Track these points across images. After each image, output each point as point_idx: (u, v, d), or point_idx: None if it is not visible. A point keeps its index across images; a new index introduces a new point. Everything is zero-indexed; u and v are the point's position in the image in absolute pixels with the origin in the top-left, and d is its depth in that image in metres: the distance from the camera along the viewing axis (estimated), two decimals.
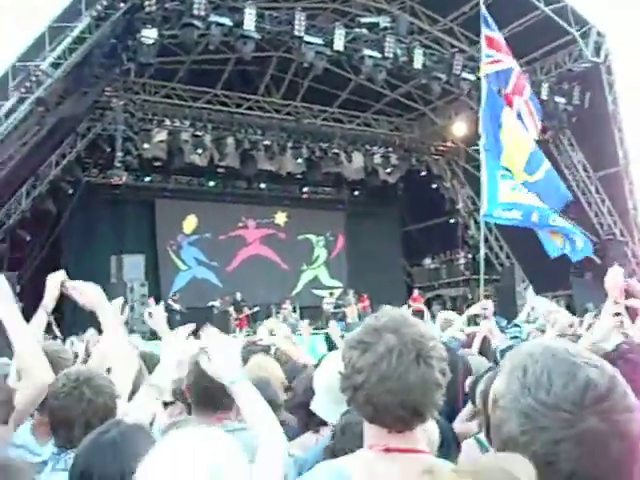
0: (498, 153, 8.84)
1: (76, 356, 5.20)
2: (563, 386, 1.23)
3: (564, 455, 1.19)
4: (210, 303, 20.85)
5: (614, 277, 4.55)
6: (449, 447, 3.36)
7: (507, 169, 8.80)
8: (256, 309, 21.59)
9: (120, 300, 4.16)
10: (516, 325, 8.22)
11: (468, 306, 21.33)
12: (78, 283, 3.58)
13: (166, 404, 3.74)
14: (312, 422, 3.43)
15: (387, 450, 1.82)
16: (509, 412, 1.26)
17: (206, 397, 3.01)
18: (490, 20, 9.84)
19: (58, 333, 4.11)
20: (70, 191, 21.09)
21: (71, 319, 13.66)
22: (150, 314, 4.83)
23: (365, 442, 1.88)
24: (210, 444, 1.71)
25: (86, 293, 3.56)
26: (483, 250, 9.88)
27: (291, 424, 3.63)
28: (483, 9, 9.87)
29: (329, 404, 3.11)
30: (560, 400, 1.21)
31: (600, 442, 1.19)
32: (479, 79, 10.54)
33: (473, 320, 8.38)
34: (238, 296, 21.59)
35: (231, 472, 1.67)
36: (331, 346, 11.70)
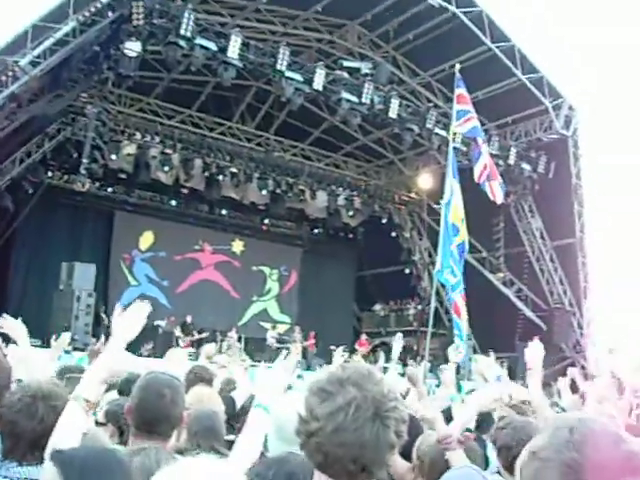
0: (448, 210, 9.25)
1: None
2: (607, 450, 1.29)
3: None
4: (156, 322, 20.61)
5: (534, 352, 4.66)
6: None
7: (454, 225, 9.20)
8: (204, 335, 21.39)
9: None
10: None
11: (412, 357, 21.49)
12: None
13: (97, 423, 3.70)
14: None
15: None
16: (551, 462, 1.31)
17: (150, 423, 2.96)
18: (462, 82, 10.16)
19: None
20: (30, 191, 20.82)
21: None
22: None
23: None
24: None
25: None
26: (434, 304, 10.10)
27: None
28: (457, 70, 10.18)
29: (277, 441, 3.08)
30: (604, 460, 1.27)
31: None
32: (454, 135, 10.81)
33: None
34: (188, 319, 21.39)
35: None
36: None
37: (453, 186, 9.58)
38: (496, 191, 10.59)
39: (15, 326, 4.58)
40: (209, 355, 8.31)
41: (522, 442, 2.90)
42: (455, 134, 10.07)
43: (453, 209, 9.41)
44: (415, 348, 23.67)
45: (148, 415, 2.97)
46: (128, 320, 2.97)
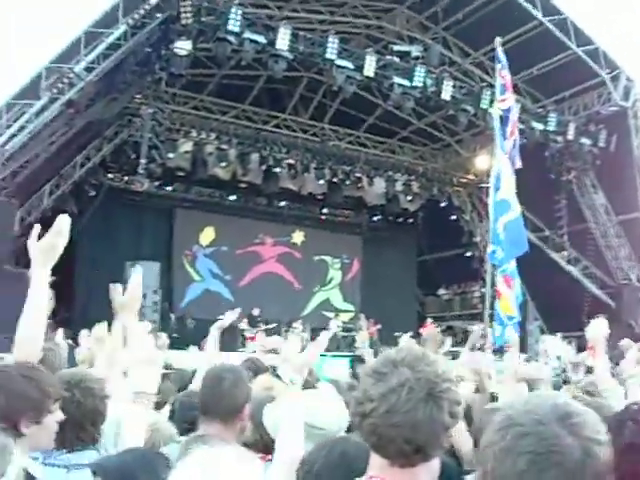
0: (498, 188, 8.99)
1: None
2: None
3: None
4: (220, 316, 20.79)
5: (598, 328, 4.54)
6: None
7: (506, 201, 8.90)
8: (272, 326, 21.47)
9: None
10: None
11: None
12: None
13: None
14: None
15: None
16: None
17: (208, 406, 3.08)
18: (504, 57, 9.92)
19: None
20: (92, 193, 21.29)
21: (80, 318, 13.76)
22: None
23: (367, 470, 1.88)
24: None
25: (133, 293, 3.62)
26: (490, 285, 9.87)
27: None
28: (497, 45, 9.96)
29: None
30: None
31: None
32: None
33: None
34: (255, 311, 21.44)
35: None
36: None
37: (501, 160, 9.34)
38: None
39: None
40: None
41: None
42: (500, 109, 9.82)
43: (506, 184, 9.12)
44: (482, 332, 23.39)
45: (207, 399, 3.06)
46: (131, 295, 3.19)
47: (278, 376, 4.98)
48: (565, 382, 6.96)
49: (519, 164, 9.61)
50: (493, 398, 5.07)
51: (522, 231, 9.15)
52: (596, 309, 19.88)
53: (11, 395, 2.51)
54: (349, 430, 2.73)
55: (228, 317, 5.96)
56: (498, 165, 9.16)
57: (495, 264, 9.12)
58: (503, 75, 9.85)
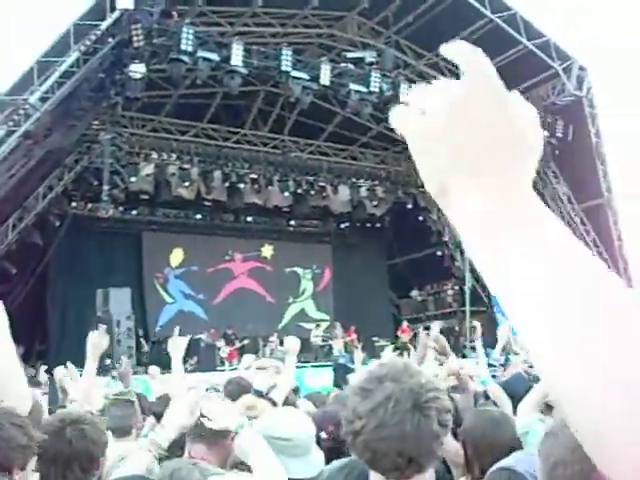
0: None
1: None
2: None
3: None
4: (197, 336, 20.72)
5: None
6: None
7: None
8: (245, 342, 21.47)
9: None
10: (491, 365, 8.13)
11: (455, 337, 21.42)
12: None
13: None
14: None
15: None
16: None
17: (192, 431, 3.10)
18: None
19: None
20: (57, 224, 21.09)
21: (56, 350, 13.62)
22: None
23: None
24: None
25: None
26: (469, 282, 9.95)
27: None
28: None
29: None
30: None
31: None
32: None
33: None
34: (229, 331, 21.46)
35: None
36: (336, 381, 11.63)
37: None
38: None
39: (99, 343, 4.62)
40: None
41: None
42: None
43: None
44: (457, 329, 23.56)
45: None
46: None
47: (262, 395, 4.98)
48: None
49: None
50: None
51: None
52: None
53: (4, 443, 2.50)
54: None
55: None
56: None
57: None
58: None
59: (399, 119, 0.82)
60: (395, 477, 1.83)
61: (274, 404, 5.00)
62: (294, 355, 5.66)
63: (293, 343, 5.70)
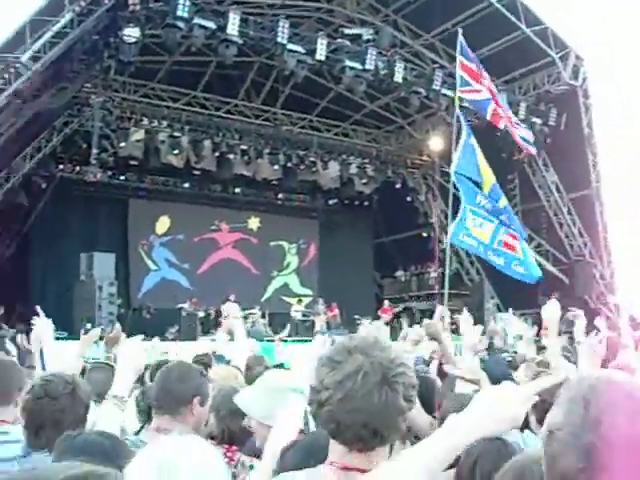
0: (473, 182, 9.13)
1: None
2: (628, 428, 1.15)
3: None
4: (179, 305, 20.72)
5: (551, 310, 4.65)
6: None
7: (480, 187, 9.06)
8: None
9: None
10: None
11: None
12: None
13: None
14: None
15: (345, 468, 1.86)
16: (569, 447, 1.21)
17: (156, 400, 3.21)
18: (467, 48, 9.98)
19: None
20: (43, 185, 20.95)
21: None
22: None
23: (328, 458, 1.92)
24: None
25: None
26: (449, 266, 10.03)
27: None
28: (461, 38, 10.00)
29: (258, 396, 2.98)
30: (625, 442, 1.14)
31: None
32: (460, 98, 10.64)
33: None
34: (232, 297, 20.94)
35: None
36: None
37: (474, 145, 9.45)
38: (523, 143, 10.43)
39: (45, 326, 4.78)
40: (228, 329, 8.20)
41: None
42: (460, 99, 9.91)
43: (482, 167, 9.31)
44: None
45: (156, 393, 3.20)
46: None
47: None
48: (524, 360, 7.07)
49: (533, 150, 9.93)
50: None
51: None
52: (551, 286, 20.24)
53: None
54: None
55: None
56: (463, 150, 9.24)
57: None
58: (465, 67, 9.90)
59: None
60: (357, 448, 1.84)
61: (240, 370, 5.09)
62: (238, 321, 5.78)
63: (232, 309, 5.86)
